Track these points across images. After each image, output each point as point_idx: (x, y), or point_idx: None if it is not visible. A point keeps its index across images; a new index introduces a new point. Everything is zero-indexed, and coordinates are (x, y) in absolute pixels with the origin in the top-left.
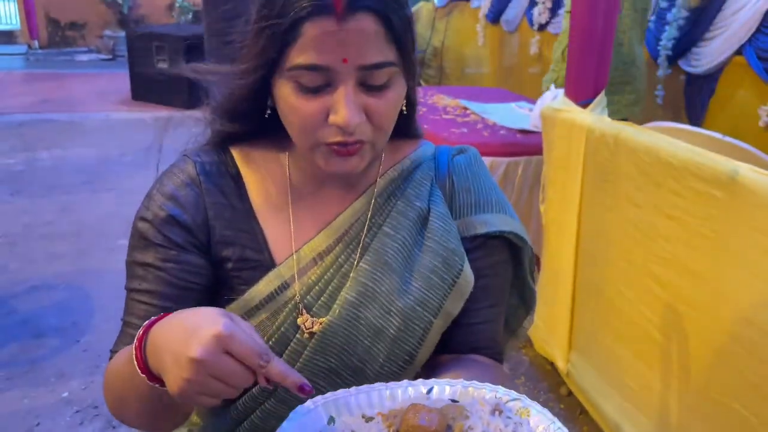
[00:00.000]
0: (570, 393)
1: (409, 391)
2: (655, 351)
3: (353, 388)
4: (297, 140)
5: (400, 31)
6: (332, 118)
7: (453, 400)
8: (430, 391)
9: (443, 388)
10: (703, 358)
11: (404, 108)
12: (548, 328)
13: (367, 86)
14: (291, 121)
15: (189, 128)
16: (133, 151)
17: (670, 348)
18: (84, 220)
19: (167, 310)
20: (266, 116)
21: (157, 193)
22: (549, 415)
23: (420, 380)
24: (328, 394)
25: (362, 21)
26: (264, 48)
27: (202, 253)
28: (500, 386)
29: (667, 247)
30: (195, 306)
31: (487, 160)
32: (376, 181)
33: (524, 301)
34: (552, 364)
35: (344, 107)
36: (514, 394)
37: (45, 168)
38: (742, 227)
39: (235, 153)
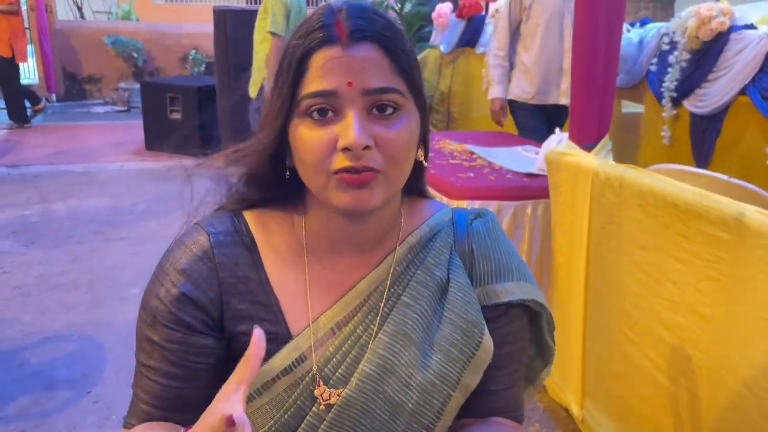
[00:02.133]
0: None
1: None
2: (662, 396)
3: None
4: (311, 179)
5: (405, 64)
6: (339, 143)
7: None
8: None
9: None
10: (713, 403)
11: (424, 160)
12: (561, 373)
13: (375, 114)
14: (304, 157)
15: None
16: (146, 200)
17: (679, 393)
18: (96, 270)
19: (172, 390)
20: (286, 177)
21: (171, 267)
22: None
23: None
24: None
25: (366, 49)
26: (282, 93)
27: (213, 331)
28: None
29: (675, 289)
30: (202, 384)
31: (494, 205)
32: (395, 248)
33: (541, 353)
34: (566, 410)
35: (350, 129)
36: None
37: (59, 219)
38: (750, 269)
39: (249, 218)
